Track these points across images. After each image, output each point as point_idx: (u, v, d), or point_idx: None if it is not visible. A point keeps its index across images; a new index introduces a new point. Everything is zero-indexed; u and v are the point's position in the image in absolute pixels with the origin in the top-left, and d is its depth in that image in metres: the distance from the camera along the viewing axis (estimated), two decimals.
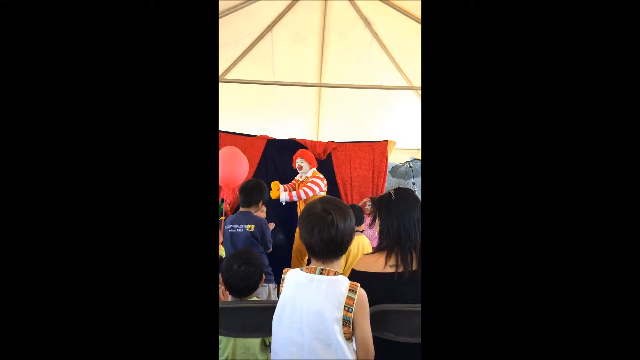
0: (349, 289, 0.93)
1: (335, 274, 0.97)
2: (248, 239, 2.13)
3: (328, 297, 0.94)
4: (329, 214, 0.97)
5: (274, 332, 1.01)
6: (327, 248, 0.97)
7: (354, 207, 2.53)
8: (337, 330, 0.92)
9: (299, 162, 3.09)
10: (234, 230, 2.15)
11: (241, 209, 2.23)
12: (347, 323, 0.92)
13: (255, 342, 1.31)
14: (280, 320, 1.00)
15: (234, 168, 2.54)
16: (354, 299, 0.92)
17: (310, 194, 2.95)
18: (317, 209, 1.00)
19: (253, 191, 2.20)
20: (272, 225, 2.43)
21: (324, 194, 3.00)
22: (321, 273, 0.97)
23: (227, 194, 3.60)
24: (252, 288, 1.36)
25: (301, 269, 1.02)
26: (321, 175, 3.03)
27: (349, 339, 0.94)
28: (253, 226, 2.14)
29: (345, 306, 0.92)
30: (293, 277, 1.02)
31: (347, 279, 0.96)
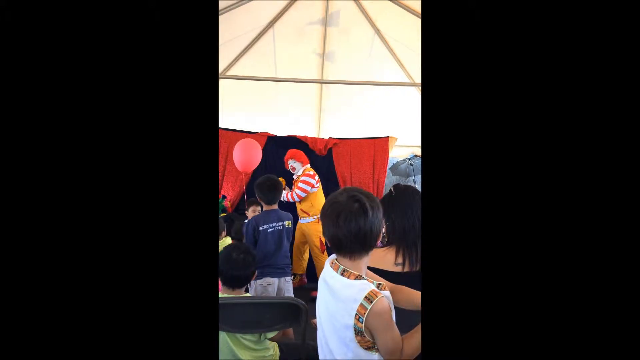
0: (365, 297, 0.83)
1: (357, 277, 0.88)
2: (291, 234, 2.34)
3: (341, 301, 0.87)
4: (356, 201, 0.86)
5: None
6: (356, 240, 0.86)
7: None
8: (349, 336, 0.85)
9: (290, 163, 3.10)
10: (273, 229, 2.25)
11: (267, 207, 2.31)
12: (360, 332, 0.84)
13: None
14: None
15: (251, 155, 3.01)
16: (367, 309, 0.82)
17: (302, 195, 2.95)
18: (341, 197, 0.89)
19: (276, 190, 2.31)
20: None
21: (317, 189, 3.01)
22: (342, 274, 0.89)
23: (228, 190, 3.61)
24: (247, 279, 1.38)
25: (330, 260, 0.95)
26: (311, 172, 3.03)
27: (367, 348, 0.86)
28: (290, 222, 2.32)
29: (356, 314, 0.83)
30: (325, 267, 0.96)
31: (370, 285, 0.87)
